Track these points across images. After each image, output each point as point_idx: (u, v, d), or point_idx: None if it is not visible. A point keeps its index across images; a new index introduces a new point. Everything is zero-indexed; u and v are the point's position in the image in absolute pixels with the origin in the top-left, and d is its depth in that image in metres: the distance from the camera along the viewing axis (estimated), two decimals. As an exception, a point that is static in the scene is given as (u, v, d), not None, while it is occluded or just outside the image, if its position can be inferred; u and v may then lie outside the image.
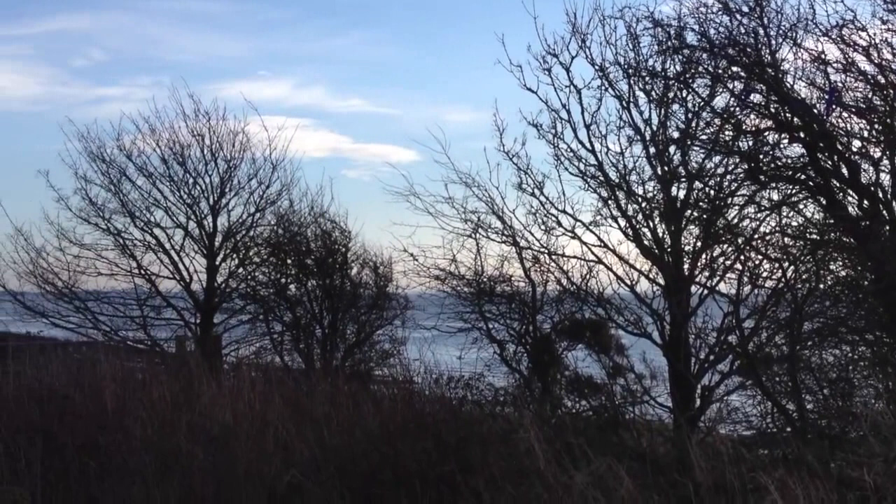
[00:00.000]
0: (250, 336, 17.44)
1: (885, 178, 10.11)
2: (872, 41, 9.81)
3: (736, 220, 10.99)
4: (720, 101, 10.92)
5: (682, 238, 11.23)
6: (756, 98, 10.49)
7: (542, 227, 12.30)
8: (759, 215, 10.82)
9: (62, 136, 17.44)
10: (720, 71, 10.57)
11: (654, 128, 11.28)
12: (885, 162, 10.07)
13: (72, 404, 8.96)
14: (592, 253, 11.91)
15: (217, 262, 17.21)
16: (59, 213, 17.00)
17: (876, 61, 9.84)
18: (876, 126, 10.08)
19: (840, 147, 9.98)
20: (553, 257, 12.46)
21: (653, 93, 11.29)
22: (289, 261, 16.90)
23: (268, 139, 17.43)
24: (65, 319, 16.98)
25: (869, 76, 9.98)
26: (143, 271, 17.15)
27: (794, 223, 10.78)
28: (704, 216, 11.09)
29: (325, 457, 7.85)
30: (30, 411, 8.68)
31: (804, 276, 10.65)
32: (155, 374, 10.54)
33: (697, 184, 11.18)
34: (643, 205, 11.45)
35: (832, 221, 10.31)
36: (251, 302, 17.34)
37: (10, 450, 7.64)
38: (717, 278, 11.15)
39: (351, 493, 7.24)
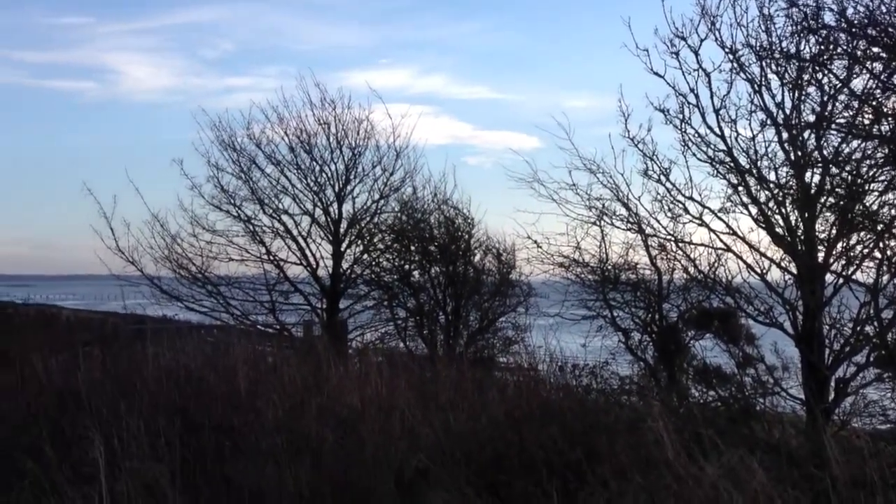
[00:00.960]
0: (375, 321, 17.71)
1: None
2: None
3: (875, 207, 10.58)
4: (858, 83, 10.53)
5: (817, 225, 10.89)
6: (898, 79, 10.06)
7: (669, 214, 12.14)
8: (899, 201, 10.40)
9: (195, 125, 18.03)
10: (859, 52, 10.16)
11: (788, 111, 10.96)
12: None
13: (207, 385, 9.22)
14: (721, 241, 11.69)
15: (342, 249, 17.51)
16: (192, 201, 17.59)
17: None
18: None
19: None
20: (680, 245, 12.28)
21: (786, 75, 10.97)
22: (412, 247, 17.07)
23: (391, 127, 17.64)
24: (198, 303, 17.55)
25: None
26: (271, 257, 17.59)
27: (938, 209, 10.32)
28: (841, 203, 10.71)
29: (451, 442, 7.88)
30: (168, 392, 8.99)
31: (947, 265, 10.19)
32: (284, 358, 10.77)
33: (833, 169, 10.81)
34: (775, 191, 11.15)
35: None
36: (375, 288, 17.59)
37: (150, 428, 7.93)
38: (854, 267, 10.77)
39: (477, 479, 7.26)
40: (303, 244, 17.57)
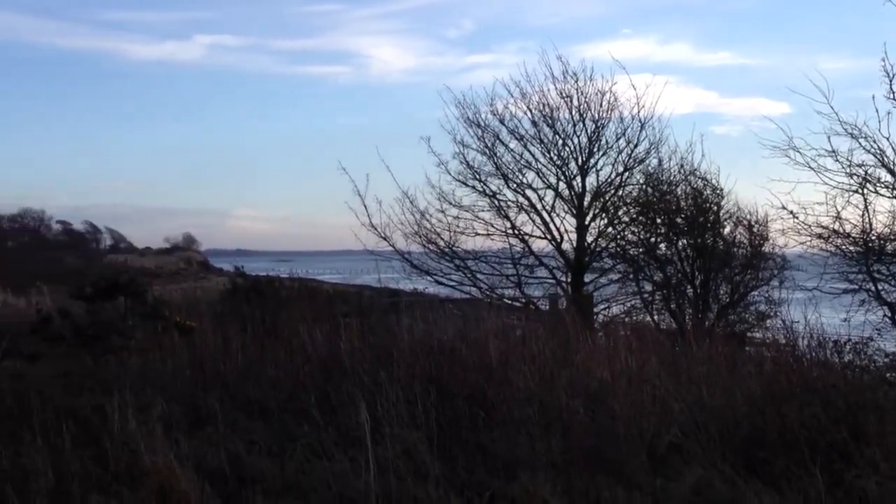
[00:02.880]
0: (620, 295, 17.59)
1: None
2: None
3: None
4: None
5: None
6: None
7: (942, 179, 11.33)
8: None
9: (440, 103, 18.55)
10: None
11: None
12: None
13: (459, 357, 9.47)
14: None
15: (586, 222, 17.49)
16: (439, 177, 18.15)
17: None
18: None
19: None
20: (954, 213, 11.43)
21: None
22: (658, 220, 16.79)
23: (635, 97, 17.39)
24: (447, 277, 18.10)
25: None
26: (516, 231, 17.84)
27: None
28: None
29: (705, 418, 7.73)
30: (423, 362, 9.30)
31: None
32: (532, 331, 10.89)
33: None
34: None
35: None
36: (621, 261, 17.45)
37: (407, 396, 8.25)
38: None
39: (734, 456, 7.08)
40: (547, 218, 17.72)
